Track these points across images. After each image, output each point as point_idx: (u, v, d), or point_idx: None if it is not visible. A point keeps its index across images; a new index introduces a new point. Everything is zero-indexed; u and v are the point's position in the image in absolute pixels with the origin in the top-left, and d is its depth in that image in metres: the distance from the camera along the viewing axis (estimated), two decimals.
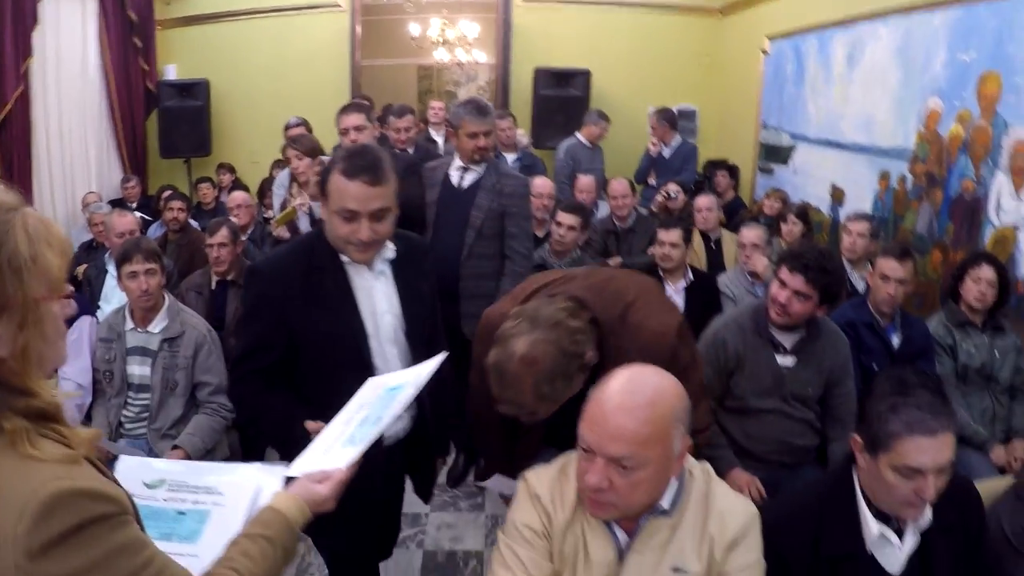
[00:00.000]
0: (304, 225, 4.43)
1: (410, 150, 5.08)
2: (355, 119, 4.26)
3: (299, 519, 1.50)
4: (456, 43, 8.68)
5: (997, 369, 3.48)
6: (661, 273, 4.36)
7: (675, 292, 4.37)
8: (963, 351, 3.52)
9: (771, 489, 2.90)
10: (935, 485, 1.73)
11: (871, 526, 1.86)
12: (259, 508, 1.47)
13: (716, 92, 8.30)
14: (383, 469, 2.29)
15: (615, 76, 8.18)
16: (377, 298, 2.26)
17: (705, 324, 4.04)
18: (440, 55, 8.81)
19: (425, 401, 2.30)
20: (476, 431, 2.65)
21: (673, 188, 6.00)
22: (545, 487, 1.73)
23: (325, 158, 4.56)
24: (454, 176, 3.86)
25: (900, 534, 1.86)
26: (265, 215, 5.14)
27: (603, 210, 5.98)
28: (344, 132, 4.25)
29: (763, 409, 3.03)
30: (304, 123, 6.56)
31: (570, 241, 4.58)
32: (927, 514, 1.84)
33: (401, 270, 2.31)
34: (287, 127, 6.36)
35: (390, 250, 2.26)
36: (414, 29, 8.57)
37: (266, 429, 2.32)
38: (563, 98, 7.96)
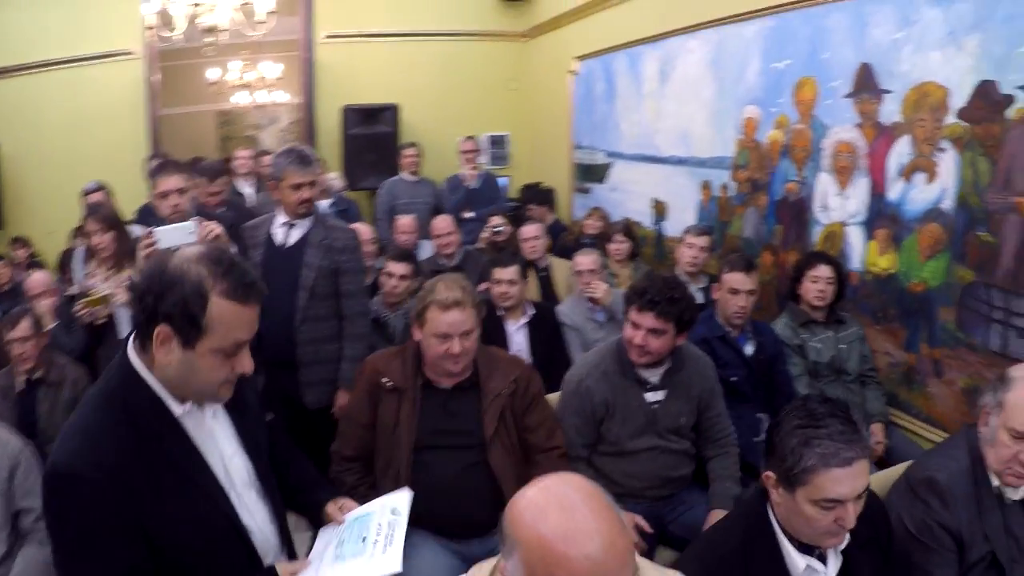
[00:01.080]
0: (124, 319, 3.86)
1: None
2: (176, 181, 3.70)
3: None
4: (256, 85, 8.32)
5: (845, 360, 3.61)
6: (500, 313, 4.21)
7: (516, 330, 4.25)
8: (811, 349, 3.63)
9: (654, 522, 2.87)
10: (854, 511, 1.73)
11: (796, 560, 1.84)
12: None
13: (527, 116, 8.37)
14: None
15: (424, 109, 8.05)
16: (222, 444, 1.75)
17: (551, 359, 4.04)
18: (239, 98, 8.39)
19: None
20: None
21: (497, 220, 5.90)
22: None
23: (138, 228, 4.13)
24: (278, 234, 3.58)
25: (823, 559, 1.86)
26: (67, 292, 4.47)
27: (427, 249, 5.79)
28: (163, 196, 3.67)
29: (639, 449, 2.97)
30: (103, 188, 5.86)
31: (403, 291, 4.37)
32: (847, 534, 1.83)
33: (231, 399, 1.77)
34: (85, 192, 5.73)
35: None
36: (212, 74, 8.12)
37: None
38: (372, 135, 7.77)
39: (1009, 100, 3.03)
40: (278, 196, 3.55)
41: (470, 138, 6.86)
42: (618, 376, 2.96)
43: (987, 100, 3.13)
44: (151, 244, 3.20)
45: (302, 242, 3.53)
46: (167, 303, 1.51)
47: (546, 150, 8.00)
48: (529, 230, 5.28)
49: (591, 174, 6.94)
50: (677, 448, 3.03)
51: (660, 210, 5.78)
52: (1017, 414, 2.01)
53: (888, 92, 3.61)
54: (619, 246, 5.19)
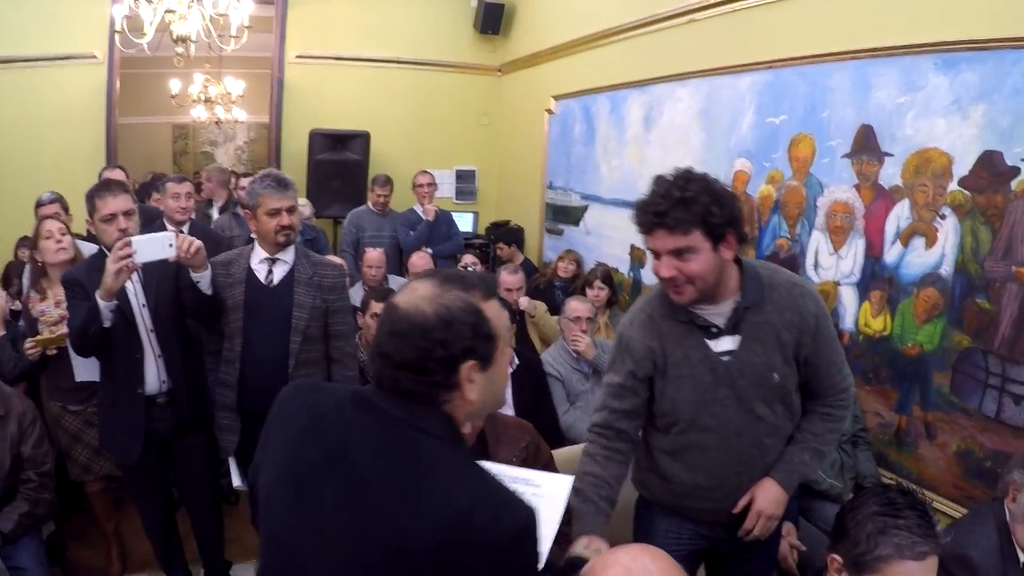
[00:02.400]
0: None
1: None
2: (123, 202, 3.23)
3: None
4: (217, 101, 8.17)
5: None
6: None
7: None
8: None
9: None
10: None
11: None
12: None
13: (497, 152, 8.39)
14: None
15: (394, 138, 8.01)
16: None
17: (537, 412, 3.84)
18: (198, 113, 8.23)
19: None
20: None
21: (469, 259, 5.84)
22: None
23: (86, 246, 3.89)
24: (259, 271, 3.34)
25: None
26: (11, 307, 4.20)
27: (395, 284, 5.62)
28: (110, 219, 3.19)
29: (708, 426, 2.25)
30: (59, 199, 5.32)
31: None
32: None
33: None
34: (39, 204, 5.27)
35: None
36: (174, 85, 7.96)
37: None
38: (340, 162, 7.65)
39: (1015, 172, 3.08)
40: (254, 227, 3.32)
41: (425, 172, 6.73)
42: (668, 320, 2.25)
43: (991, 170, 3.18)
44: (127, 256, 2.92)
45: (288, 279, 3.33)
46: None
47: (516, 188, 7.99)
48: (512, 280, 5.08)
49: (565, 215, 6.92)
50: (767, 425, 2.25)
51: (638, 256, 5.77)
52: None
53: (889, 155, 3.65)
54: (598, 292, 5.11)
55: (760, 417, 2.22)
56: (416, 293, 1.44)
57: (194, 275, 3.08)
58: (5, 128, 6.99)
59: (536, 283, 6.18)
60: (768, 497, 2.23)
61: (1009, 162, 3.11)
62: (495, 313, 1.48)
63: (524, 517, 1.36)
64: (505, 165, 8.28)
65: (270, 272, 3.35)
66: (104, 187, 3.34)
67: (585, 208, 6.56)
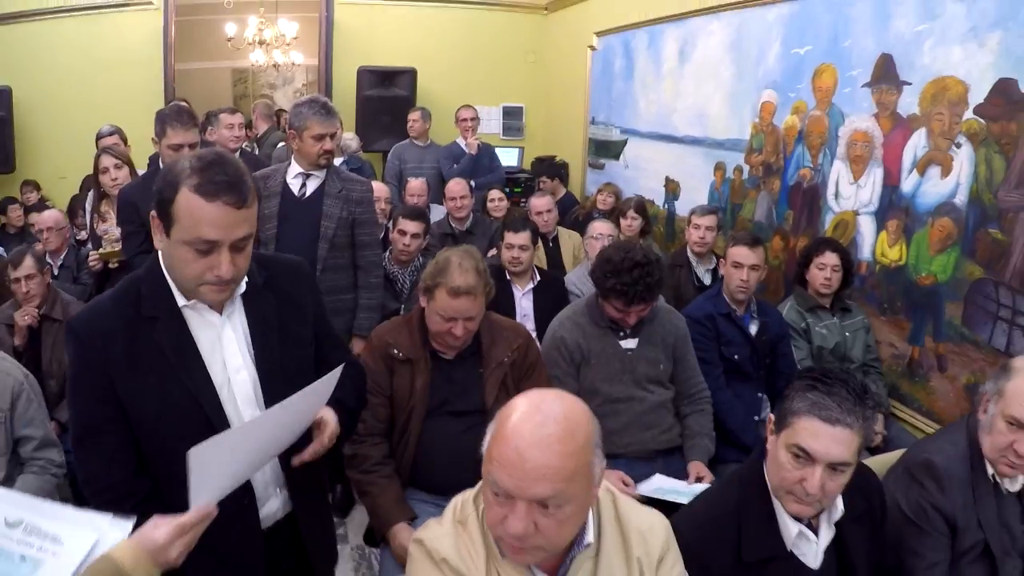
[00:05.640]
0: None
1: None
2: (192, 135, 3.47)
3: (134, 569, 1.31)
4: (273, 44, 8.16)
5: (849, 348, 3.56)
6: (508, 276, 4.16)
7: (523, 295, 4.20)
8: (816, 334, 3.57)
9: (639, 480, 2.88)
10: (822, 482, 1.69)
11: (789, 526, 1.81)
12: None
13: (543, 89, 8.26)
14: (263, 556, 1.81)
15: (441, 75, 7.91)
16: (229, 351, 1.72)
17: None
18: (256, 57, 8.24)
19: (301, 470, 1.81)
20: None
21: (496, 194, 5.84)
22: (449, 548, 1.47)
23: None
24: (294, 184, 3.48)
25: (815, 530, 1.84)
26: (77, 237, 4.41)
27: (435, 213, 5.69)
28: (177, 148, 3.39)
29: (618, 398, 3.00)
30: (118, 131, 5.60)
31: (414, 249, 4.27)
32: (839, 506, 1.83)
33: (260, 309, 1.77)
34: (99, 136, 5.53)
35: (243, 284, 1.73)
36: (230, 29, 7.96)
37: None
38: (388, 98, 7.62)
39: None
40: (297, 145, 3.42)
41: (468, 107, 6.69)
42: (591, 325, 3.07)
43: (1006, 98, 3.05)
44: None
45: (319, 193, 3.45)
46: (157, 190, 1.58)
47: (561, 124, 7.90)
48: (541, 203, 5.24)
49: (606, 150, 6.85)
50: (657, 400, 3.07)
51: (672, 189, 5.71)
52: (1016, 403, 1.95)
53: (908, 84, 3.52)
54: (631, 222, 5.10)
55: (651, 392, 3.07)
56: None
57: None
58: (67, 73, 7.15)
59: (576, 215, 6.17)
60: (704, 470, 2.96)
61: (1023, 89, 2.97)
62: (187, 204, 1.53)
63: (74, 319, 1.67)
64: (551, 102, 8.17)
65: (303, 186, 3.48)
66: (176, 116, 3.50)
67: (624, 142, 6.48)
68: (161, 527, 1.36)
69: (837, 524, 1.84)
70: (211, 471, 1.43)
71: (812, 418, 1.69)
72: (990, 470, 2.05)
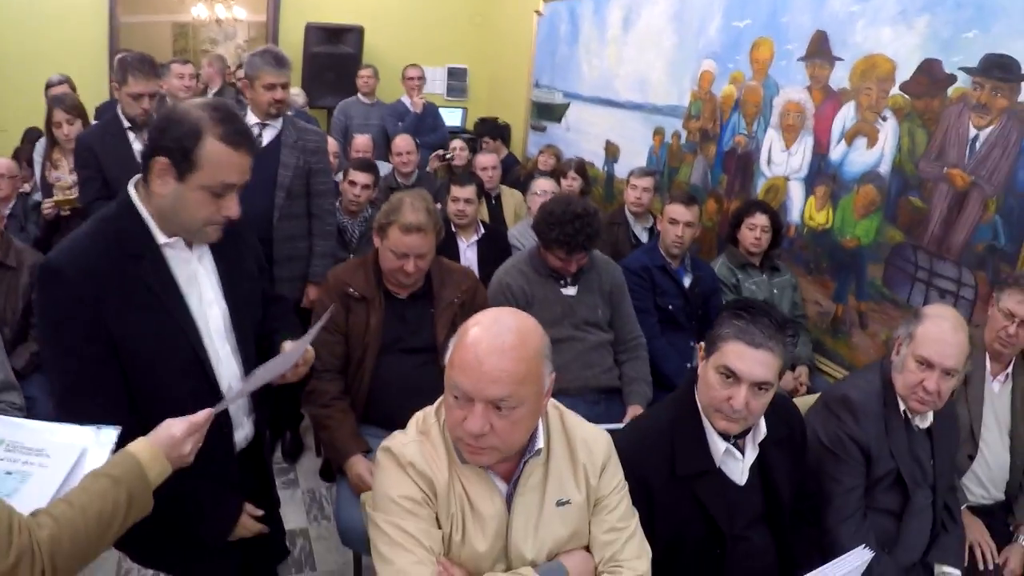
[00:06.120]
0: None
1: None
2: (153, 85, 3.66)
3: (151, 463, 1.42)
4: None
5: (777, 304, 3.74)
6: (454, 229, 4.29)
7: (468, 247, 4.33)
8: (746, 289, 3.77)
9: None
10: (747, 400, 1.84)
11: (717, 443, 1.96)
12: (83, 471, 1.41)
13: (488, 52, 8.29)
14: (237, 475, 1.99)
15: (388, 33, 7.87)
16: (204, 286, 1.85)
17: None
18: (199, 11, 8.07)
19: (263, 401, 2.06)
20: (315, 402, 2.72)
21: (459, 143, 5.97)
22: (415, 454, 1.59)
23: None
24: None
25: (741, 450, 1.99)
26: (21, 189, 4.37)
27: (381, 169, 5.69)
28: (137, 97, 3.57)
29: (560, 338, 3.11)
30: (67, 80, 5.59)
31: (364, 200, 4.38)
32: (762, 428, 1.98)
33: (222, 249, 1.89)
34: (48, 85, 5.48)
35: None
36: None
37: None
38: (335, 55, 7.55)
39: (952, 79, 3.16)
40: (251, 95, 3.47)
41: (416, 66, 6.76)
42: (533, 273, 3.24)
43: (930, 77, 3.26)
44: None
45: (276, 143, 3.47)
46: (168, 138, 1.66)
47: (504, 86, 7.96)
48: (487, 159, 5.37)
49: (548, 113, 6.95)
50: (596, 340, 3.25)
51: (612, 152, 5.85)
52: (924, 344, 2.16)
53: (840, 60, 3.71)
54: (571, 183, 5.22)
55: (591, 333, 3.24)
56: (195, 99, 1.84)
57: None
58: (11, 26, 6.93)
59: (517, 175, 6.27)
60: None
61: (947, 70, 3.19)
62: (213, 151, 1.67)
63: (52, 259, 1.68)
64: (496, 64, 8.22)
65: (259, 136, 3.47)
66: (139, 65, 3.61)
67: (567, 106, 6.59)
68: (176, 424, 1.48)
69: (761, 445, 2.00)
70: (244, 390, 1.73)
71: (738, 342, 1.85)
72: (902, 406, 2.25)
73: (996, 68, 2.98)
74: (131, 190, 1.75)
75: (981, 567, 2.55)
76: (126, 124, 3.61)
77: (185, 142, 1.64)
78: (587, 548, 1.70)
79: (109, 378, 1.69)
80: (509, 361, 1.46)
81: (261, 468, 2.20)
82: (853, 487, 2.21)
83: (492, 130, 7.04)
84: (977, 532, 2.60)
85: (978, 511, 2.69)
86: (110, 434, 1.51)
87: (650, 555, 1.72)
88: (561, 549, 1.66)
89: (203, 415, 1.55)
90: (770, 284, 3.80)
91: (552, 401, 1.71)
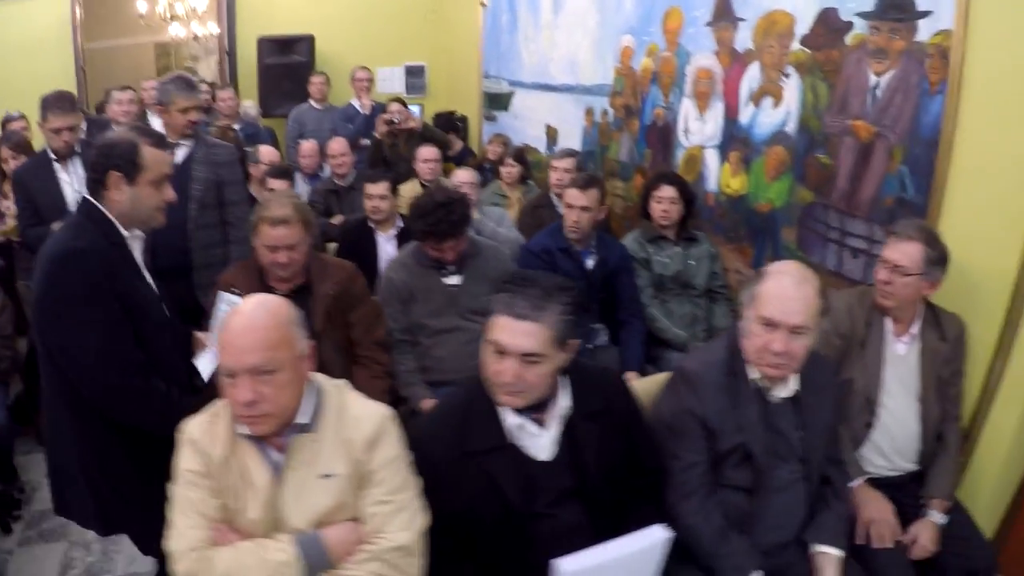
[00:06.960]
0: None
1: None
2: (71, 119, 3.97)
3: None
4: (188, 17, 7.93)
5: (692, 276, 3.61)
6: (372, 225, 4.19)
7: (387, 240, 4.20)
8: (657, 263, 3.62)
9: None
10: (514, 371, 1.81)
11: (508, 419, 1.90)
12: None
13: (443, 47, 8.14)
14: None
15: (340, 39, 7.76)
16: (144, 274, 2.34)
17: None
18: (175, 30, 8.03)
19: None
20: None
21: (396, 107, 5.85)
22: (198, 431, 1.76)
23: None
24: None
25: (541, 424, 1.93)
26: None
27: (328, 172, 5.68)
28: (57, 132, 3.91)
29: (443, 329, 3.21)
30: (23, 117, 5.53)
31: None
32: (562, 402, 1.94)
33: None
34: (6, 120, 5.50)
35: None
36: (141, 6, 7.70)
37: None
38: (288, 65, 7.55)
39: (848, 26, 2.99)
40: (166, 119, 3.61)
41: (363, 68, 6.75)
42: (417, 266, 3.24)
43: (828, 27, 3.09)
44: None
45: (188, 159, 3.58)
46: (114, 156, 2.16)
47: (460, 80, 7.82)
48: (427, 152, 5.20)
49: (497, 102, 6.83)
50: (478, 327, 3.12)
51: (552, 135, 5.71)
52: (767, 303, 1.97)
53: (742, 20, 3.55)
54: (510, 170, 5.14)
55: (476, 322, 3.11)
56: (121, 129, 2.38)
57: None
58: None
59: (469, 167, 6.12)
60: None
61: (843, 17, 3.02)
62: (150, 154, 2.20)
63: (66, 244, 2.11)
64: (451, 59, 8.07)
65: (172, 154, 3.44)
66: (56, 103, 3.98)
67: (512, 94, 6.46)
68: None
69: (571, 420, 1.93)
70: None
71: (500, 315, 1.84)
72: (754, 375, 2.07)
73: (892, 9, 2.81)
74: (91, 200, 2.17)
75: (876, 546, 2.34)
76: (52, 156, 3.93)
77: (129, 155, 2.17)
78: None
79: (129, 331, 2.13)
80: (260, 331, 1.64)
81: None
82: (693, 463, 2.05)
83: (446, 124, 6.95)
84: (875, 508, 2.40)
85: (883, 484, 2.49)
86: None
87: (419, 528, 1.76)
88: (327, 519, 1.74)
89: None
90: (684, 255, 3.63)
91: (337, 382, 1.86)
